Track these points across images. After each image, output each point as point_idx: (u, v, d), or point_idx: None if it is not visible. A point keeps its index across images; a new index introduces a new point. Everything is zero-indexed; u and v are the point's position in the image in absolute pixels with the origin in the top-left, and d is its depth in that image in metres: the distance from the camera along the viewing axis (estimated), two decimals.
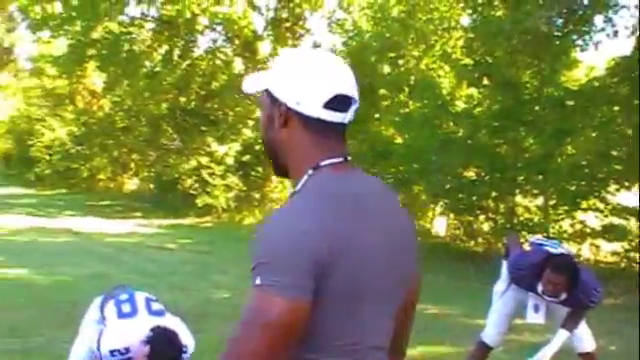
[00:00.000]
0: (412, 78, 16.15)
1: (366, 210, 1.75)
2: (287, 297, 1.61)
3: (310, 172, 1.78)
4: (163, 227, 18.86)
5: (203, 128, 22.81)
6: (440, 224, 16.77)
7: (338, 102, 1.79)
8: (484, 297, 6.26)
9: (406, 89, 16.34)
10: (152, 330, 3.89)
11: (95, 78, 27.13)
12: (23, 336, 6.66)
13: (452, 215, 15.76)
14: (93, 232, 16.49)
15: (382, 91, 16.93)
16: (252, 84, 1.88)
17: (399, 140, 16.13)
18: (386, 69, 16.55)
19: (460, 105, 15.01)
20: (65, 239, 15.19)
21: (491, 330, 5.61)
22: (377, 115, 17.16)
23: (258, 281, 1.65)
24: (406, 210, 1.95)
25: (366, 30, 17.41)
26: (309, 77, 1.78)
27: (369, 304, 1.74)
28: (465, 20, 15.87)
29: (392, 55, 16.53)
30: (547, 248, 5.25)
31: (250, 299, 1.68)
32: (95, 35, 22.41)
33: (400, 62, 16.50)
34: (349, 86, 1.82)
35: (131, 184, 29.29)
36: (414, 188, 16.37)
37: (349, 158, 1.84)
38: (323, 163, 1.79)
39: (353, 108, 1.84)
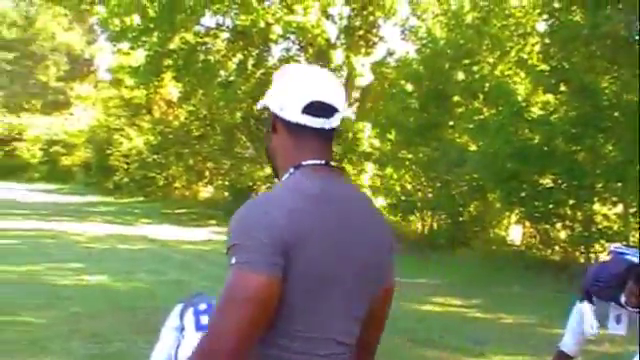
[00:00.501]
0: (487, 85, 15.94)
1: (337, 209, 1.87)
2: (261, 273, 1.73)
3: (292, 170, 1.94)
4: None
5: None
6: (516, 232, 16.50)
7: (316, 108, 1.94)
8: (561, 306, 6.14)
9: (481, 96, 16.14)
10: None
11: (171, 88, 27.59)
12: (103, 342, 6.79)
13: (528, 223, 15.47)
14: (169, 239, 16.74)
15: (456, 98, 16.78)
16: (261, 102, 2.07)
17: (473, 147, 15.94)
18: (460, 76, 16.39)
19: (536, 112, 14.74)
20: (142, 246, 15.46)
21: (569, 340, 5.47)
22: (451, 122, 17.00)
23: (233, 260, 1.78)
24: (383, 220, 2.04)
25: (440, 37, 17.26)
26: (291, 86, 1.98)
27: (332, 292, 1.84)
28: (541, 25, 15.61)
29: (466, 62, 16.36)
30: (628, 257, 5.09)
31: (228, 278, 1.79)
32: (172, 46, 22.80)
33: (475, 69, 16.31)
34: (329, 95, 1.96)
35: (206, 192, 29.65)
36: (489, 196, 16.15)
37: (332, 163, 1.98)
38: (305, 163, 1.94)
39: (337, 115, 1.97)
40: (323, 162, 1.97)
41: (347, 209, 1.91)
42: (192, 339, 4.10)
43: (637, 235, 12.99)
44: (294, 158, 1.96)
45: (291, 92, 1.96)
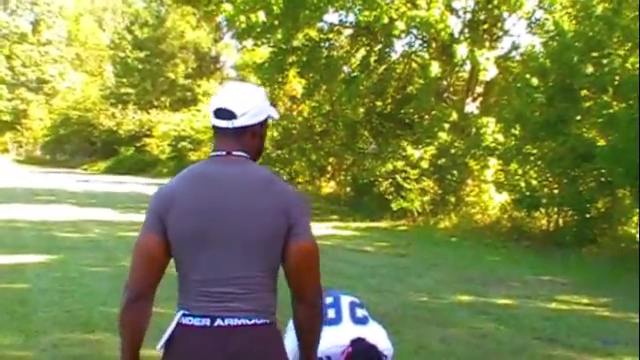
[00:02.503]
0: (617, 78, 15.40)
1: (210, 185, 2.52)
2: (144, 232, 2.56)
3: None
4: (360, 230, 19.13)
5: (399, 132, 22.95)
6: None
7: (222, 113, 2.60)
8: None
9: (610, 89, 15.61)
10: (353, 343, 3.93)
11: (295, 84, 27.96)
12: None
13: None
14: None
15: (584, 92, 16.29)
16: None
17: (602, 142, 15.44)
18: (589, 69, 15.90)
19: None
20: None
21: None
22: (578, 117, 16.53)
23: None
24: (278, 191, 2.58)
25: (568, 30, 16.78)
26: (212, 98, 2.68)
27: (210, 245, 2.49)
28: None
29: (596, 54, 15.86)
30: None
31: None
32: (295, 42, 23.12)
33: (604, 62, 15.78)
34: (230, 102, 2.59)
35: (328, 187, 29.91)
36: (618, 192, 15.63)
37: (235, 152, 2.59)
38: (211, 154, 2.64)
39: (241, 118, 2.58)
40: (224, 152, 2.60)
41: (222, 184, 2.53)
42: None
43: None
44: (211, 151, 2.65)
45: (211, 102, 2.67)
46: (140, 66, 57.77)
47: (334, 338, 3.92)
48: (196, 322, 2.49)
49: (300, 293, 2.63)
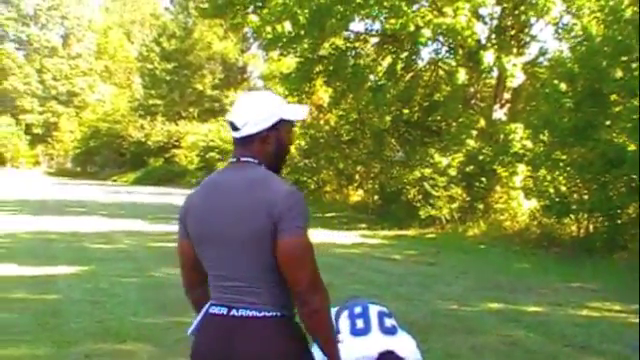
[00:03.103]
0: None
1: (215, 190, 2.80)
2: (179, 236, 2.96)
3: None
4: (388, 238, 19.10)
5: (426, 139, 22.92)
6: None
7: (231, 125, 2.82)
8: None
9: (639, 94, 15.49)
10: (381, 356, 3.93)
11: (322, 93, 28.03)
12: None
13: None
14: (320, 243, 16.95)
15: (613, 97, 16.16)
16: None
17: (632, 147, 15.30)
18: (618, 73, 15.76)
19: None
20: None
21: None
22: (608, 122, 16.40)
23: None
24: (267, 192, 2.69)
25: (596, 34, 16.67)
26: None
27: (214, 244, 2.75)
28: None
29: (624, 59, 15.74)
30: None
31: None
32: (322, 51, 23.18)
33: (633, 66, 15.65)
34: (233, 114, 2.82)
35: (356, 196, 29.90)
36: None
37: (243, 159, 2.80)
38: (227, 162, 2.87)
39: (244, 128, 2.79)
40: (235, 160, 2.83)
41: (223, 189, 2.77)
42: (347, 343, 4.13)
43: None
44: None
45: None
46: (168, 77, 58.24)
47: (363, 349, 3.91)
48: (217, 311, 2.77)
49: (294, 290, 2.69)
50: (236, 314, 2.72)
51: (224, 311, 2.74)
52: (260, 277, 2.70)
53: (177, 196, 35.46)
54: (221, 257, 2.74)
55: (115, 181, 55.17)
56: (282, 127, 2.84)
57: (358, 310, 4.27)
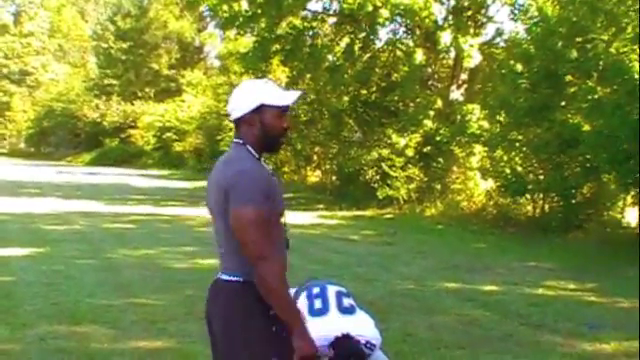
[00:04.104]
0: (601, 63, 15.42)
1: (214, 168, 3.18)
2: None
3: None
4: (346, 218, 19.14)
5: (384, 120, 22.92)
6: (631, 215, 15.97)
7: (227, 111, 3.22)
8: None
9: (595, 75, 15.64)
10: (337, 340, 3.93)
11: (279, 73, 27.87)
12: None
13: None
14: None
15: (568, 77, 16.31)
16: None
17: (587, 128, 15.48)
18: (573, 54, 15.90)
19: None
20: None
21: None
22: (563, 103, 16.57)
23: None
24: (227, 168, 3.07)
25: (552, 15, 16.78)
26: None
27: (212, 219, 3.19)
28: None
29: (579, 40, 15.87)
30: None
31: None
32: (279, 31, 23.01)
33: (588, 47, 15.79)
34: (227, 102, 3.20)
35: (314, 176, 29.89)
36: (603, 177, 15.68)
37: (236, 140, 3.16)
38: None
39: (232, 114, 3.16)
40: (233, 142, 3.18)
41: (215, 167, 3.17)
42: (307, 324, 4.13)
43: None
44: None
45: None
46: (123, 57, 57.44)
47: (321, 329, 3.91)
48: (216, 275, 3.21)
49: (245, 257, 2.98)
50: (219, 277, 3.15)
51: (217, 275, 3.18)
52: (229, 244, 3.06)
53: (133, 177, 35.23)
54: (214, 227, 3.17)
55: (70, 162, 54.40)
56: (266, 111, 3.09)
57: (316, 290, 4.27)
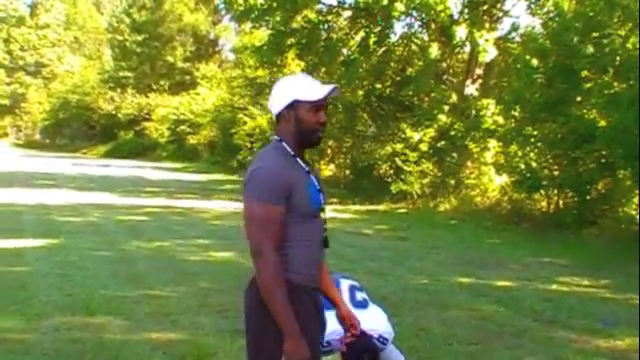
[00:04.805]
0: (617, 58, 15.33)
1: None
2: None
3: None
4: (359, 213, 19.14)
5: (398, 114, 22.90)
6: None
7: None
8: None
9: (610, 70, 15.55)
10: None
11: (294, 67, 27.86)
12: (231, 317, 6.97)
13: None
14: None
15: (584, 73, 16.22)
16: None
17: (602, 123, 15.39)
18: (589, 50, 15.81)
19: None
20: None
21: None
22: (579, 98, 16.48)
23: None
24: (252, 164, 3.13)
25: (568, 10, 16.69)
26: None
27: None
28: None
29: (596, 35, 15.78)
30: None
31: None
32: (294, 25, 23.00)
33: (604, 42, 15.70)
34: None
35: (328, 170, 29.88)
36: (618, 173, 15.59)
37: (274, 137, 3.18)
38: None
39: (272, 109, 3.19)
40: (273, 137, 3.19)
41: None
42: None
43: None
44: None
45: None
46: (138, 49, 57.52)
47: (334, 323, 3.92)
48: None
49: None
50: None
51: None
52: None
53: (147, 169, 35.34)
54: None
55: (85, 154, 54.67)
56: (299, 107, 3.10)
57: None
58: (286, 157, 3.09)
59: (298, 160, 3.13)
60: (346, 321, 3.50)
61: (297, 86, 3.13)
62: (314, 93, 3.10)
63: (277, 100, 3.14)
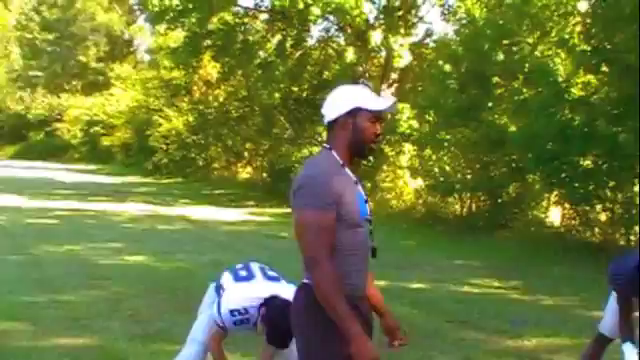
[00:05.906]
0: (527, 65, 15.74)
1: None
2: None
3: None
4: (276, 215, 19.12)
5: (315, 118, 22.97)
6: (555, 214, 16.35)
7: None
8: (600, 288, 6.09)
9: (520, 77, 15.96)
10: (267, 300, 4.14)
11: (210, 69, 27.71)
12: (144, 321, 6.88)
13: (567, 205, 15.31)
14: (208, 220, 16.88)
15: (495, 79, 16.61)
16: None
17: (513, 128, 15.79)
18: (500, 57, 16.20)
19: (577, 92, 14.53)
20: (181, 226, 15.61)
21: (609, 321, 5.35)
22: (490, 103, 16.85)
23: None
24: (304, 168, 3.14)
25: (480, 17, 17.07)
26: None
27: None
28: (583, 5, 15.36)
29: (506, 42, 16.17)
30: None
31: None
32: (210, 26, 22.84)
33: (514, 49, 16.11)
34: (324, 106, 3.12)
35: (244, 173, 29.80)
36: (528, 177, 16.01)
37: (324, 145, 3.11)
38: None
39: (326, 116, 3.08)
40: (323, 145, 3.13)
41: None
42: (233, 289, 4.42)
43: None
44: None
45: None
46: (49, 48, 56.21)
47: (249, 292, 4.28)
48: None
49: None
50: None
51: None
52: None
53: (58, 171, 34.52)
54: None
55: None
56: (360, 115, 3.03)
57: (240, 266, 4.66)
58: (335, 166, 3.02)
59: (347, 169, 3.07)
60: (391, 331, 3.49)
61: (360, 94, 3.08)
62: (377, 103, 3.07)
63: (336, 106, 3.06)
